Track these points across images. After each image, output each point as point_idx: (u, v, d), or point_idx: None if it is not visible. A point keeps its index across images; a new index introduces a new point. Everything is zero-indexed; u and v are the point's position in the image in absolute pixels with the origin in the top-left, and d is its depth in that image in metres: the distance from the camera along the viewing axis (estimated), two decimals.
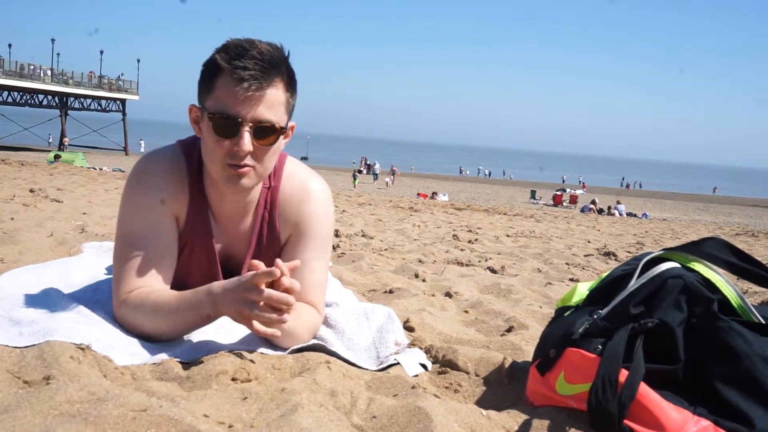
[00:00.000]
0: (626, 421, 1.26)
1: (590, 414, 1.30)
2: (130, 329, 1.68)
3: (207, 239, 1.80)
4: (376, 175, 43.09)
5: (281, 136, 1.66)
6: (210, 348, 1.64)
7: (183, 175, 1.76)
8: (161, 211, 1.73)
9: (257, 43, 1.60)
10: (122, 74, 59.10)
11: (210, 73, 1.61)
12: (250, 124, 1.58)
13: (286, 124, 1.67)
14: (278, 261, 1.52)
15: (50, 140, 56.27)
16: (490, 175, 66.35)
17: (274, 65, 1.59)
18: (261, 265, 1.52)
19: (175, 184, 1.74)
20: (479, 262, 4.36)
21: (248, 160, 1.62)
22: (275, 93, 1.61)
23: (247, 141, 1.58)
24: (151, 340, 1.66)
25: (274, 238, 1.83)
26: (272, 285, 1.52)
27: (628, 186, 63.00)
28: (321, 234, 1.82)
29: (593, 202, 27.76)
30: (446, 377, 1.70)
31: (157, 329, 1.65)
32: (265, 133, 1.60)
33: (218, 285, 1.60)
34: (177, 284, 1.78)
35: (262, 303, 1.50)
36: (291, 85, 1.66)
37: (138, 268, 1.70)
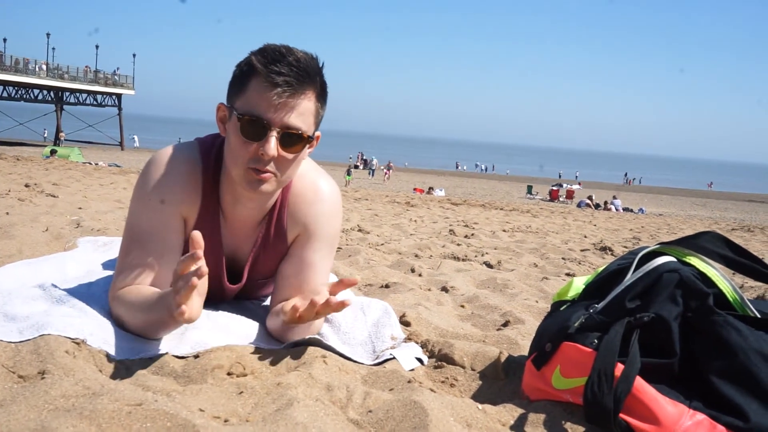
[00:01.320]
0: (622, 415, 1.26)
1: (586, 408, 1.30)
2: (116, 323, 1.67)
3: (215, 241, 1.79)
4: (373, 170, 43.01)
5: (307, 146, 1.65)
6: (206, 343, 1.63)
7: (198, 176, 1.73)
8: (170, 210, 1.71)
9: (295, 50, 1.59)
10: (118, 69, 58.90)
11: (244, 75, 1.59)
12: (278, 130, 1.57)
13: (313, 134, 1.66)
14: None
15: (46, 135, 56.11)
16: (487, 170, 66.43)
17: (310, 74, 1.58)
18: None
19: (188, 185, 1.72)
20: (475, 256, 4.36)
21: (271, 167, 1.60)
22: (307, 102, 1.59)
23: (273, 146, 1.56)
24: (129, 332, 1.64)
25: (280, 237, 1.81)
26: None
27: (630, 182, 63.10)
28: (328, 235, 1.82)
29: (590, 198, 27.84)
30: (442, 371, 1.70)
31: (134, 325, 1.62)
32: (292, 140, 1.59)
33: None
34: None
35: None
36: (322, 96, 1.65)
37: (138, 264, 1.69)
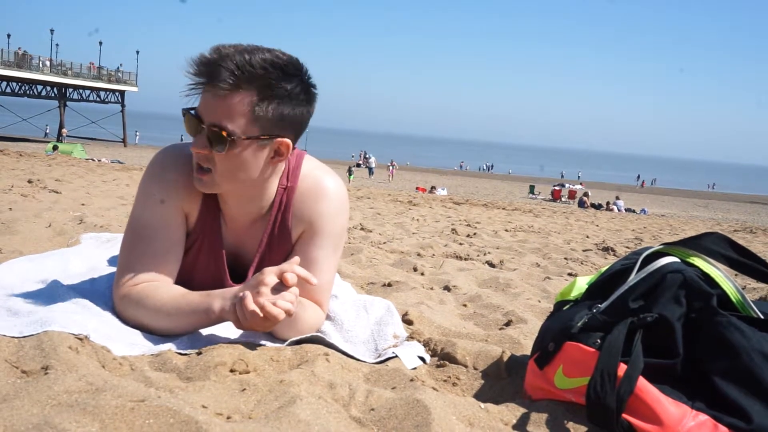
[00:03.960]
0: (624, 415, 1.26)
1: (588, 408, 1.30)
2: (130, 322, 1.68)
3: (215, 239, 1.80)
4: (372, 169, 42.58)
5: (250, 148, 1.61)
6: (209, 339, 1.64)
7: None
8: (173, 206, 1.72)
9: (239, 49, 1.56)
10: (121, 65, 58.96)
11: None
12: (205, 127, 1.58)
13: (255, 136, 1.60)
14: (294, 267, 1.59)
15: (48, 131, 56.19)
16: (490, 169, 66.48)
17: (247, 74, 1.54)
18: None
19: (189, 182, 1.72)
20: (478, 256, 4.36)
21: (205, 164, 1.63)
22: (236, 102, 1.56)
23: (199, 142, 1.59)
24: (150, 332, 1.66)
25: (285, 237, 1.81)
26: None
27: (643, 184, 63.08)
28: (333, 232, 1.80)
29: (586, 195, 27.86)
30: (444, 370, 1.70)
31: (159, 326, 1.65)
32: (217, 139, 1.58)
33: (231, 291, 1.62)
34: (182, 282, 1.78)
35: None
36: (268, 97, 1.57)
37: (143, 260, 1.70)
